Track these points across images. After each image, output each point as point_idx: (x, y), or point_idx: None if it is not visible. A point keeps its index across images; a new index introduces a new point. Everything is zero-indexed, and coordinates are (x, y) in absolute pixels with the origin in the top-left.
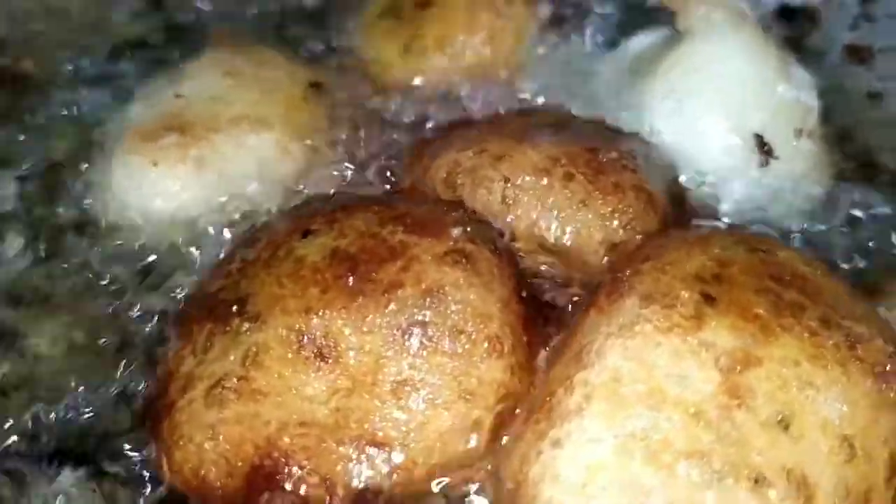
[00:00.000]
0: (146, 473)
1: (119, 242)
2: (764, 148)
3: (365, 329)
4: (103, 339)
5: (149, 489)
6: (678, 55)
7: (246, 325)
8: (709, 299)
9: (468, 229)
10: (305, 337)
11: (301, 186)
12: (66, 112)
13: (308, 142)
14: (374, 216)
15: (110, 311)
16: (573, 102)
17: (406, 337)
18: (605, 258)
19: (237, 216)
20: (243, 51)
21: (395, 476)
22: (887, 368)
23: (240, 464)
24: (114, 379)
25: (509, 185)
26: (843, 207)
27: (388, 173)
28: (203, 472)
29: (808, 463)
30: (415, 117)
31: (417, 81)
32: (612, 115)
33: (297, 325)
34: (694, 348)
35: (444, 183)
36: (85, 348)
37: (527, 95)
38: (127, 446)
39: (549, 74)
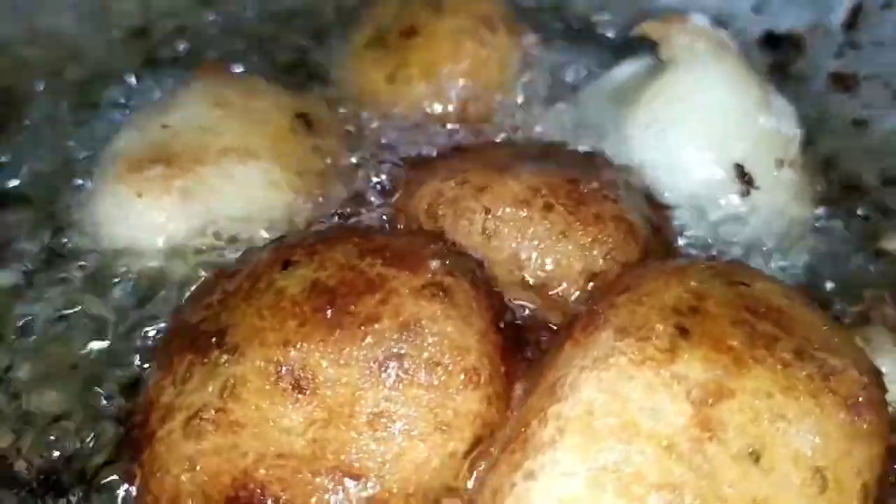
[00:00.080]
0: None
1: (104, 271)
2: (745, 178)
3: (342, 362)
4: (85, 368)
5: None
6: (661, 85)
7: (225, 357)
8: (683, 332)
9: (447, 262)
10: (283, 369)
11: (287, 217)
12: (51, 139)
13: (295, 172)
14: (353, 248)
15: (93, 339)
16: (556, 132)
17: (382, 369)
18: (586, 287)
19: (223, 247)
20: (231, 81)
21: None
22: (860, 400)
23: (216, 495)
24: (97, 408)
25: (490, 216)
26: (826, 234)
27: (374, 202)
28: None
29: (779, 495)
30: (401, 146)
31: (403, 110)
32: (594, 144)
33: (276, 357)
34: (666, 381)
35: (427, 213)
36: (66, 376)
37: (510, 125)
38: (108, 476)
39: (533, 104)
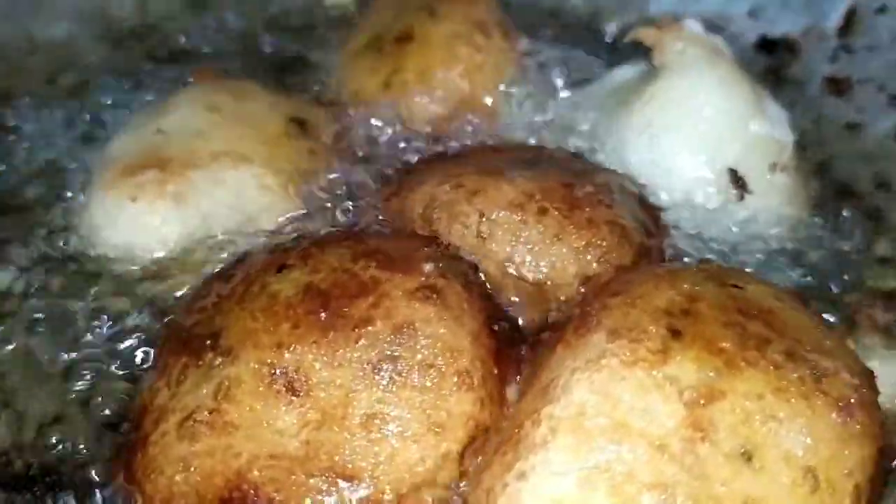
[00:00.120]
0: None
1: (98, 276)
2: (738, 182)
3: (336, 364)
4: (81, 371)
5: None
6: (655, 90)
7: (219, 359)
8: (675, 333)
9: (440, 265)
10: (277, 371)
11: (281, 221)
12: (46, 143)
13: (288, 177)
14: (347, 251)
15: (88, 343)
16: (550, 136)
17: (376, 371)
18: (579, 290)
19: (216, 251)
20: (225, 85)
21: None
22: (851, 401)
23: (210, 496)
24: (91, 410)
25: (484, 219)
26: (819, 237)
27: (368, 206)
28: None
29: (771, 494)
30: (395, 151)
31: (398, 115)
32: (588, 148)
33: (269, 360)
34: (659, 382)
35: (421, 217)
36: (61, 379)
37: (505, 129)
38: (101, 478)
39: (527, 108)
